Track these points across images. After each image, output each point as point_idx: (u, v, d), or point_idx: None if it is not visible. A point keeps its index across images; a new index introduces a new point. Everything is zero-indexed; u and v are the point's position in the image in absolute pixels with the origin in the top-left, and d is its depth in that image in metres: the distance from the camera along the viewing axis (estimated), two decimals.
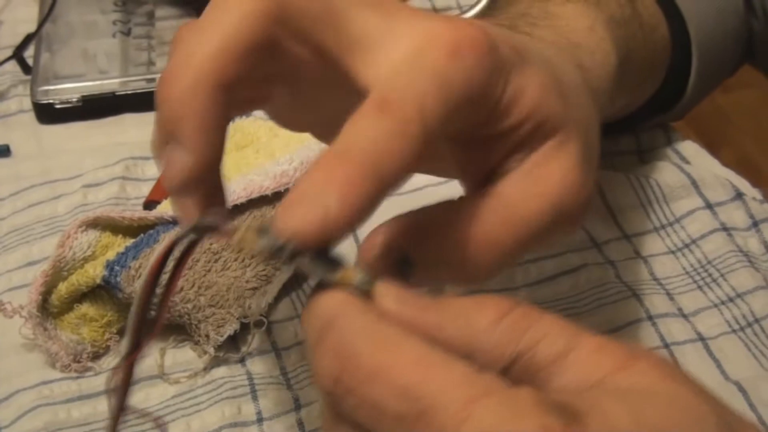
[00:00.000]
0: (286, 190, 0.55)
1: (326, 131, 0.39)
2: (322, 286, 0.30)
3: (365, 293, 0.30)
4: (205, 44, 0.33)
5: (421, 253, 0.34)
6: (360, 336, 0.28)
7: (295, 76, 0.36)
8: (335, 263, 0.30)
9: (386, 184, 0.30)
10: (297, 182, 0.30)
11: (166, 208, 0.55)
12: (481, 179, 0.36)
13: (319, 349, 0.28)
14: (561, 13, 0.43)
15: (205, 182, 0.34)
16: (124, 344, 0.34)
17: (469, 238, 0.34)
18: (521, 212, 0.34)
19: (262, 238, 0.29)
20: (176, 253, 0.33)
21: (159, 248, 0.32)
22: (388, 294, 0.30)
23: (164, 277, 0.33)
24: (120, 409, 0.34)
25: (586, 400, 0.26)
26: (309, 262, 0.29)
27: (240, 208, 0.55)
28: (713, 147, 0.62)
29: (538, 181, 0.35)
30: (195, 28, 0.34)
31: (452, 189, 0.38)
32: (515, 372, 0.29)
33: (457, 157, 0.36)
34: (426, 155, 0.31)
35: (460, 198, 0.35)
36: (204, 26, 0.34)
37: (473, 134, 0.35)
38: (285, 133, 0.59)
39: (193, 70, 0.33)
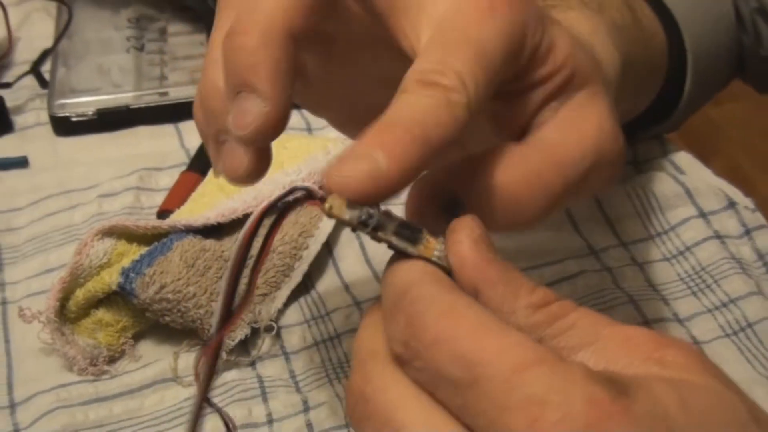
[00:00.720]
0: (295, 200, 0.55)
1: (346, 111, 0.39)
2: (400, 256, 0.30)
3: (442, 266, 0.30)
4: None
5: (471, 195, 0.33)
6: (429, 305, 0.28)
7: (342, 35, 0.36)
8: (416, 236, 0.30)
9: (435, 149, 0.30)
10: (348, 147, 0.30)
11: (179, 217, 0.56)
12: (518, 134, 0.36)
13: (394, 315, 0.29)
14: (564, 18, 0.43)
15: (277, 133, 0.33)
16: (215, 317, 0.33)
17: (518, 179, 0.33)
18: (565, 153, 0.34)
19: (351, 209, 0.30)
20: (266, 222, 0.32)
21: (254, 212, 0.32)
22: (466, 230, 0.30)
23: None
24: (203, 397, 0.34)
25: (636, 379, 0.27)
26: (392, 233, 0.30)
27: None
28: (705, 158, 0.62)
29: (578, 126, 0.35)
30: None
31: None
32: None
33: (495, 113, 0.36)
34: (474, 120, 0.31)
35: (505, 144, 0.35)
36: None
37: (514, 84, 0.35)
38: (293, 145, 0.59)
39: (263, 20, 0.32)
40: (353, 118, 0.38)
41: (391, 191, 0.30)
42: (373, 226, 0.30)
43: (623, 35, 0.46)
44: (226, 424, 0.41)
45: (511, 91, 0.35)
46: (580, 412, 0.25)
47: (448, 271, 0.30)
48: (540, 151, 0.34)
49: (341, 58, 0.37)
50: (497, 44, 0.32)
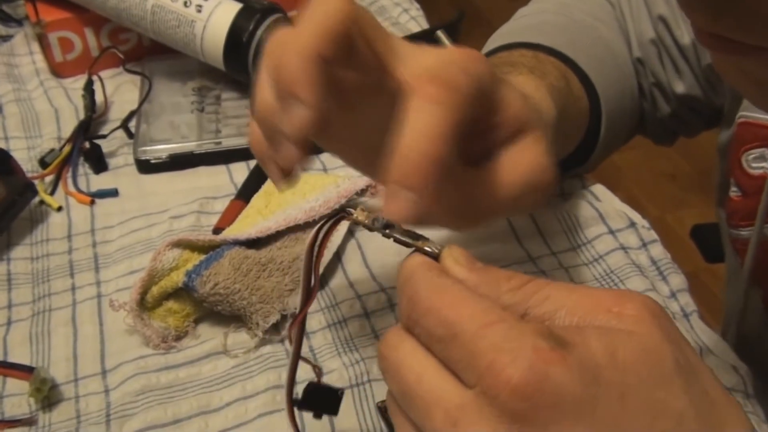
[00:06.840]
0: (314, 220, 0.55)
1: (356, 150, 0.38)
2: (411, 252, 0.31)
3: (436, 257, 0.31)
4: (309, 26, 0.31)
5: (443, 205, 0.33)
6: (423, 285, 0.28)
7: (354, 84, 0.35)
8: (415, 236, 0.31)
9: (444, 157, 0.30)
10: (389, 174, 0.30)
11: (228, 233, 0.55)
12: (477, 162, 0.36)
13: (401, 295, 0.29)
14: (516, 81, 0.44)
15: (317, 130, 0.31)
16: (298, 299, 0.34)
17: (474, 192, 0.35)
18: (510, 177, 0.35)
19: (375, 218, 0.31)
20: (321, 234, 0.33)
21: (313, 230, 0.33)
22: (450, 257, 0.30)
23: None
24: (297, 354, 0.35)
25: (579, 335, 0.26)
26: (399, 233, 0.31)
27: (281, 233, 0.54)
28: (610, 190, 0.62)
29: (521, 160, 0.36)
30: (299, 17, 0.33)
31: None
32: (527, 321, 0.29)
33: (464, 149, 0.36)
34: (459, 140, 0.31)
35: (468, 169, 0.36)
36: (306, 15, 0.32)
37: (479, 127, 0.35)
38: (312, 180, 0.59)
39: (303, 42, 0.31)
40: (362, 155, 0.38)
41: (427, 202, 0.30)
42: (383, 225, 0.31)
43: (559, 95, 0.46)
44: (315, 370, 0.45)
45: (478, 133, 0.35)
46: (526, 356, 0.25)
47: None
48: (494, 173, 0.35)
49: (352, 107, 0.36)
50: (478, 76, 0.33)
